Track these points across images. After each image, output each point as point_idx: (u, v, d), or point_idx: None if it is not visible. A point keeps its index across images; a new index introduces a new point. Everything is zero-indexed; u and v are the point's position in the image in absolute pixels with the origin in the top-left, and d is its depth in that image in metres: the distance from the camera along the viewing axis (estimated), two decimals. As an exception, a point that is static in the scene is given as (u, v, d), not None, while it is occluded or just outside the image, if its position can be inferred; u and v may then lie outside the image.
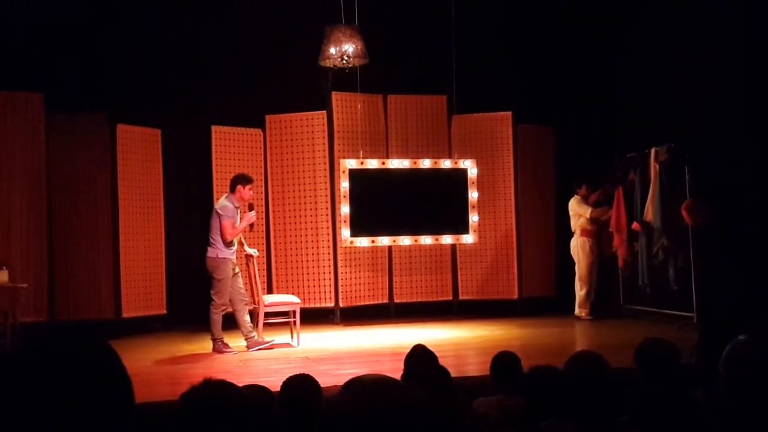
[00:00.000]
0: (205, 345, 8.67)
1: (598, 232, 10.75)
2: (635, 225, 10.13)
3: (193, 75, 10.61)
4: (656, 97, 10.27)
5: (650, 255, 9.96)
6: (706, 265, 9.14)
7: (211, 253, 8.41)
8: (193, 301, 10.30)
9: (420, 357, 4.17)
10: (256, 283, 8.70)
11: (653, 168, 9.84)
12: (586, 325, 10.13)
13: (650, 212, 9.83)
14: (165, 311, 10.34)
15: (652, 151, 9.88)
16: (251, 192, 8.70)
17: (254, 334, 8.51)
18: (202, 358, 8.20)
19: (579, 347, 8.16)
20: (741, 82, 9.05)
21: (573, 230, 10.72)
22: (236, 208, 8.48)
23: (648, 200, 9.88)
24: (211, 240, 8.43)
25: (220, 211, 8.41)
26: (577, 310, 10.55)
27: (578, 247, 10.64)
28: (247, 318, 8.54)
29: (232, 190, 8.54)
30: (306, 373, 3.62)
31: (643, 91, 10.56)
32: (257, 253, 8.93)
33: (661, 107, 10.13)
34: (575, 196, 10.72)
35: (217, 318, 8.40)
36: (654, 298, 10.08)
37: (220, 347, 8.38)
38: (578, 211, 10.66)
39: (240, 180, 8.59)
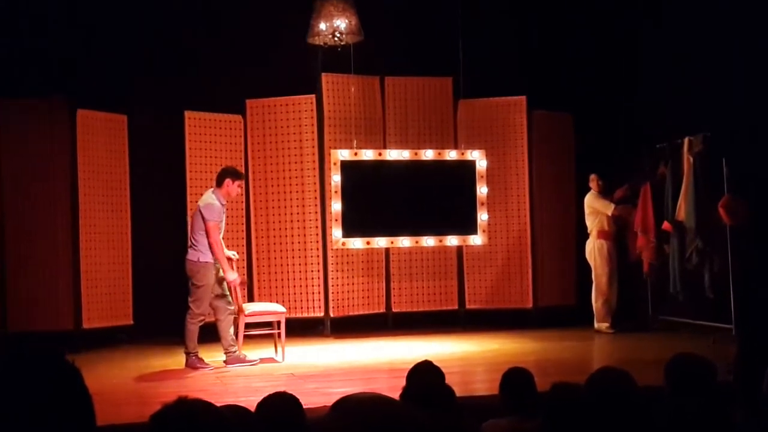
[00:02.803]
0: (178, 359, 8.66)
1: (618, 233, 10.73)
2: (666, 225, 10.13)
3: (164, 54, 10.59)
4: (690, 79, 10.26)
5: (683, 259, 9.96)
6: (745, 269, 9.14)
7: (191, 255, 8.39)
8: (163, 309, 10.26)
9: (426, 374, 4.17)
10: (235, 290, 8.69)
11: (686, 160, 9.84)
12: (609, 339, 10.14)
13: (683, 210, 9.84)
14: (132, 321, 10.33)
15: (685, 140, 9.88)
16: (240, 189, 8.70)
17: (236, 348, 8.50)
18: (174, 375, 8.20)
19: (602, 363, 8.14)
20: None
21: (589, 231, 10.69)
22: (222, 206, 8.48)
23: (680, 197, 9.89)
24: (193, 241, 8.41)
25: (203, 212, 8.36)
26: (596, 324, 10.55)
27: (595, 251, 10.59)
28: (231, 330, 8.54)
29: (219, 184, 8.53)
30: (286, 391, 3.60)
31: (675, 73, 10.56)
32: (237, 257, 8.92)
33: (695, 90, 10.13)
34: (591, 191, 10.69)
35: (193, 329, 8.39)
36: (687, 307, 10.09)
37: (194, 362, 8.38)
38: (597, 208, 10.59)
39: (230, 173, 8.59)
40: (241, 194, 9.05)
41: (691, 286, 9.94)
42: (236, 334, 8.60)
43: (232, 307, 8.58)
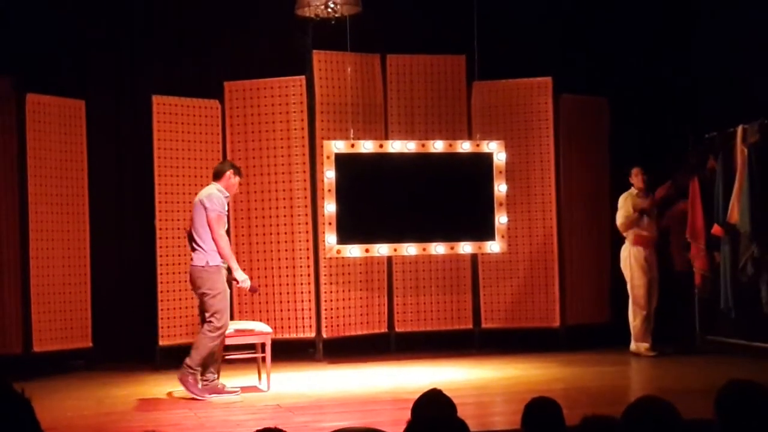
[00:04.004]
0: (145, 388, 8.68)
1: (661, 238, 10.72)
2: (716, 229, 10.14)
3: (129, 32, 10.60)
4: (744, 60, 10.27)
5: (736, 269, 9.97)
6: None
7: (197, 260, 8.36)
8: (127, 330, 10.30)
9: (434, 405, 4.17)
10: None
11: (740, 153, 9.85)
12: (649, 363, 10.14)
13: (735, 212, 9.84)
14: (91, 343, 10.33)
15: (739, 129, 9.89)
16: (238, 187, 8.74)
17: (215, 375, 8.49)
18: (140, 406, 8.19)
19: (641, 392, 8.17)
20: None
21: (624, 236, 10.68)
22: (226, 198, 8.49)
23: (733, 196, 9.90)
24: (197, 243, 8.36)
25: (205, 201, 8.32)
26: (633, 345, 10.53)
27: (630, 259, 10.57)
28: (220, 353, 8.54)
29: (218, 177, 8.53)
30: (275, 427, 3.60)
31: (727, 52, 10.57)
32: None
33: (751, 71, 10.14)
34: (631, 189, 10.68)
35: (210, 345, 8.27)
36: (740, 326, 10.09)
37: (190, 381, 8.28)
38: (620, 208, 10.56)
39: (231, 166, 8.68)
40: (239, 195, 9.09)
41: (745, 302, 9.94)
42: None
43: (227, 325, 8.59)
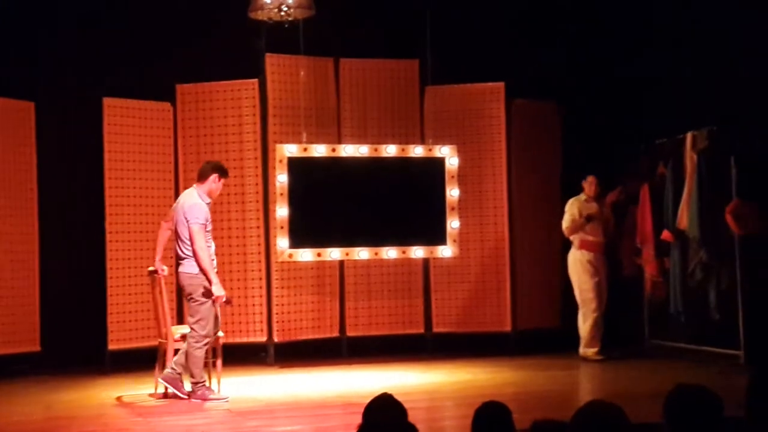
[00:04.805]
0: (95, 393, 8.61)
1: (609, 243, 10.77)
2: (665, 234, 10.23)
3: (80, 33, 10.51)
4: (694, 66, 10.37)
5: (685, 274, 10.06)
6: (757, 287, 9.24)
7: (187, 267, 8.33)
8: (76, 334, 10.20)
9: (385, 410, 4.17)
10: (163, 309, 8.65)
11: (689, 159, 9.95)
12: (599, 368, 10.20)
13: (685, 217, 9.94)
14: (38, 348, 10.23)
15: (689, 136, 9.99)
16: (220, 190, 8.68)
17: (206, 379, 8.47)
18: (88, 411, 8.12)
19: (590, 396, 8.22)
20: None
21: (570, 240, 10.74)
22: (207, 204, 8.44)
23: (682, 202, 9.99)
24: (184, 251, 8.35)
25: (188, 213, 8.30)
26: (582, 349, 10.57)
27: (577, 263, 10.62)
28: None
29: (202, 179, 8.49)
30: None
31: (677, 59, 10.66)
32: (166, 271, 8.86)
33: (700, 78, 10.24)
34: (580, 194, 10.70)
35: (198, 354, 8.27)
36: (689, 330, 10.18)
37: (204, 393, 8.29)
38: (566, 212, 10.60)
39: (217, 168, 8.58)
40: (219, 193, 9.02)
41: (694, 306, 10.04)
42: (164, 363, 8.55)
43: (217, 330, 8.56)
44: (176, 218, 8.44)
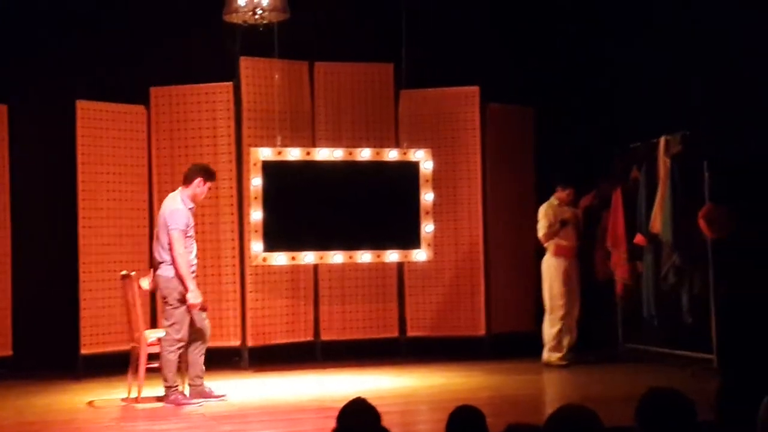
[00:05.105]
0: (67, 397, 8.56)
1: (583, 247, 10.78)
2: (638, 238, 10.26)
3: (54, 35, 10.46)
4: (668, 71, 10.42)
5: (657, 278, 10.10)
6: (730, 291, 9.29)
7: (165, 270, 8.33)
8: (48, 338, 10.14)
9: (358, 414, 4.17)
10: (135, 314, 8.62)
11: (663, 163, 9.99)
12: (572, 372, 10.21)
13: (658, 221, 9.97)
14: (10, 352, 10.17)
15: (662, 140, 10.03)
16: (208, 192, 8.64)
17: (201, 380, 8.48)
18: (61, 416, 8.08)
19: (565, 400, 8.24)
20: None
21: (545, 246, 10.74)
22: (189, 209, 8.42)
23: (655, 205, 10.03)
24: (162, 255, 8.35)
25: (168, 219, 8.30)
26: (545, 354, 10.52)
27: (551, 270, 10.57)
28: (202, 357, 8.51)
29: (187, 182, 8.48)
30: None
31: (651, 63, 10.71)
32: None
33: (673, 83, 10.29)
34: (551, 199, 10.68)
35: (171, 358, 8.31)
36: (662, 334, 10.23)
37: (177, 398, 8.30)
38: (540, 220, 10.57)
39: (202, 171, 8.56)
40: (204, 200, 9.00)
41: (666, 310, 10.08)
42: (137, 367, 8.52)
43: (208, 332, 8.58)
44: (159, 222, 8.45)
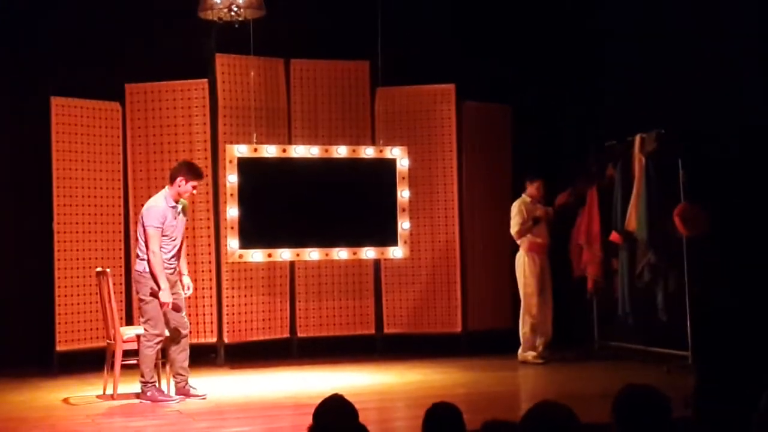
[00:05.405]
0: (41, 395, 8.52)
1: (558, 245, 10.80)
2: (614, 236, 10.30)
3: (28, 31, 10.41)
4: (643, 69, 10.47)
5: (633, 275, 10.14)
6: (705, 288, 9.33)
7: (139, 265, 8.32)
8: (24, 334, 10.10)
9: (335, 411, 4.17)
10: (111, 311, 8.59)
11: (638, 161, 10.03)
12: (549, 369, 10.24)
13: (633, 219, 10.02)
14: (-16, 349, 10.13)
15: (637, 138, 10.07)
16: (194, 191, 8.57)
17: (184, 377, 8.45)
18: (35, 413, 8.03)
19: (541, 397, 8.25)
20: (757, 50, 9.26)
21: (518, 242, 10.75)
22: (171, 208, 8.36)
23: (631, 203, 10.07)
24: (139, 251, 8.33)
25: (144, 216, 8.26)
26: (521, 353, 10.52)
27: (524, 267, 10.56)
28: (182, 354, 8.47)
29: (171, 180, 8.41)
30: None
31: (627, 61, 10.75)
32: (190, 290, 8.77)
33: (649, 82, 10.33)
34: (523, 196, 10.66)
35: (149, 354, 8.25)
36: (637, 332, 10.27)
37: (153, 394, 8.26)
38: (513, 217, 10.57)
39: (183, 170, 8.43)
40: (192, 198, 8.94)
41: (641, 308, 10.12)
42: (113, 363, 8.49)
43: (187, 328, 8.54)
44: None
